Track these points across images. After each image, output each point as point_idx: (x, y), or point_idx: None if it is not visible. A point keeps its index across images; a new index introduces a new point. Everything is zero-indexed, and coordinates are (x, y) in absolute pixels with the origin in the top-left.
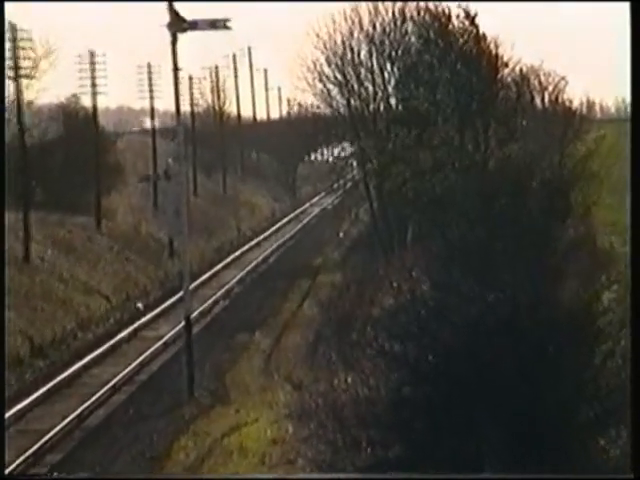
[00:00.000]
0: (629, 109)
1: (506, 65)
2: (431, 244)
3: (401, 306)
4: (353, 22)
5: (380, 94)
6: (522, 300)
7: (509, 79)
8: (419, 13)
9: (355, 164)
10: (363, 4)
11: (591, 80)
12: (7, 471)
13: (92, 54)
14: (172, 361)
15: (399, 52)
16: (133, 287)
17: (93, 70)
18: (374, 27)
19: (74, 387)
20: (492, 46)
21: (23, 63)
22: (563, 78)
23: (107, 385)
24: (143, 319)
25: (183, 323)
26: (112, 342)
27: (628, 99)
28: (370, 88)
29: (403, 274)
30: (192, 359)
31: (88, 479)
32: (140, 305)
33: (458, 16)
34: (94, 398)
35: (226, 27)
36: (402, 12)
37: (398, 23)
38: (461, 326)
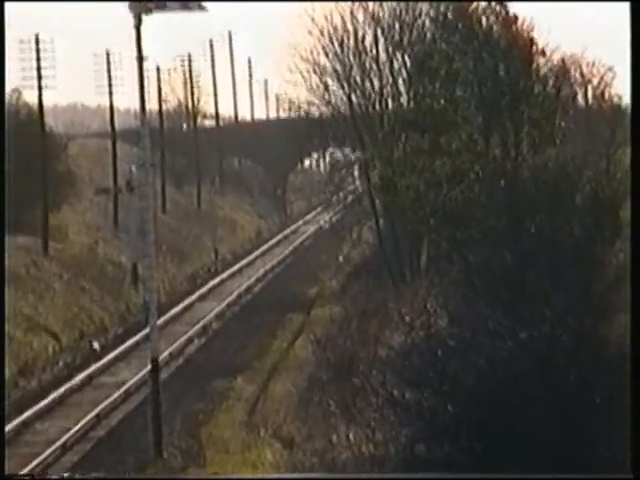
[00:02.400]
0: None
1: (542, 53)
2: (450, 269)
3: (414, 345)
4: (355, 1)
5: (388, 89)
6: (562, 338)
7: (545, 70)
8: None
9: (357, 173)
10: None
11: None
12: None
13: (37, 39)
14: (135, 413)
15: (411, 38)
16: (88, 323)
17: (39, 59)
18: (381, 7)
19: (14, 446)
20: (525, 30)
21: None
22: (610, 69)
23: (55, 443)
24: (100, 362)
25: (149, 367)
26: (61, 390)
27: None
28: (376, 82)
29: (416, 306)
30: (160, 411)
31: (88, 479)
32: (96, 345)
33: None
34: (40, 459)
35: (201, 8)
36: None
37: (410, 2)
38: (487, 369)
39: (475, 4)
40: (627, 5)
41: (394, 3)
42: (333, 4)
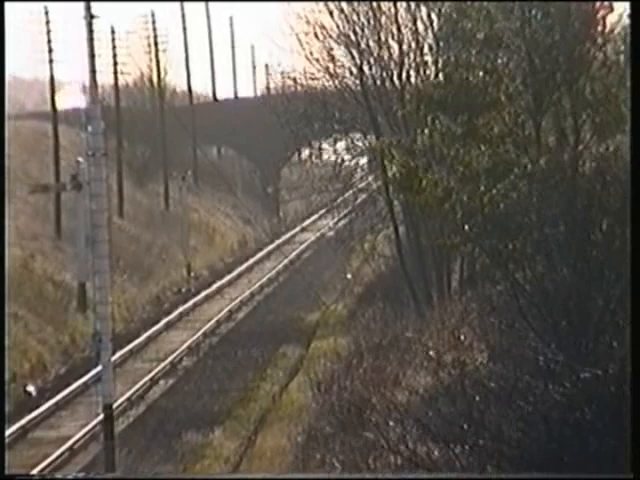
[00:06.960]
0: None
1: (611, 10)
2: (490, 291)
3: (443, 388)
4: None
5: (410, 57)
6: None
7: (615, 33)
8: None
9: (370, 166)
10: None
11: None
12: None
13: None
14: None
15: None
16: (21, 360)
17: None
18: None
19: None
20: None
21: None
22: None
23: None
24: (37, 411)
25: (100, 417)
26: None
27: None
28: (395, 48)
29: (446, 337)
30: (114, 473)
31: (89, 479)
32: (32, 389)
33: None
34: None
35: None
36: None
37: None
38: (538, 419)
39: None
40: None
41: None
42: None
